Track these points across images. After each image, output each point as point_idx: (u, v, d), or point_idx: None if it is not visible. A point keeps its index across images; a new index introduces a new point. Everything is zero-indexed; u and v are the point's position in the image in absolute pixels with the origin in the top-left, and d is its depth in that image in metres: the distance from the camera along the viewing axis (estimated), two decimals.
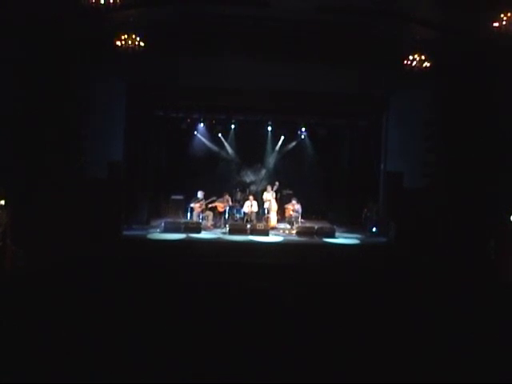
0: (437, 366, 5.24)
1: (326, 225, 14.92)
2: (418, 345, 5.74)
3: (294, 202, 14.64)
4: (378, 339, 5.91)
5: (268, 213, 14.87)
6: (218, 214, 14.69)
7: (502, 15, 8.17)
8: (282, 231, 14.36)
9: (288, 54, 12.35)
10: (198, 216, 14.34)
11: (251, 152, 16.92)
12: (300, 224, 14.40)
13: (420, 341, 5.88)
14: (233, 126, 16.67)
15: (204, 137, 16.98)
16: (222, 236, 13.34)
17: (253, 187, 16.64)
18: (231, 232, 13.45)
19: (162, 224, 13.63)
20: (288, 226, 14.61)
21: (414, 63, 10.38)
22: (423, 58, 10.34)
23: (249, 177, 16.92)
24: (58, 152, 11.65)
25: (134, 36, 9.94)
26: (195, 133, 16.85)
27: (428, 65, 10.40)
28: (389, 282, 8.99)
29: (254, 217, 14.60)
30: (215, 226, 14.52)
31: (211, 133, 16.92)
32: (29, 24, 9.89)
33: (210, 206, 14.50)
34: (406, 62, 10.51)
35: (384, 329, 6.30)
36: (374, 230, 14.27)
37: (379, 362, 5.27)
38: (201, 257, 10.75)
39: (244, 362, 5.08)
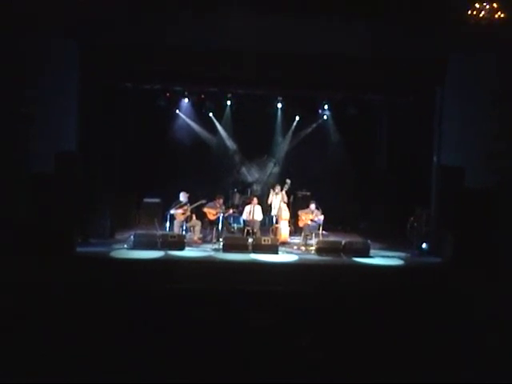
0: None
1: (356, 239, 14.96)
2: None
3: (312, 207, 14.61)
4: None
5: (277, 222, 14.89)
6: (208, 224, 14.78)
7: None
8: (296, 247, 14.39)
9: (305, 3, 12.18)
10: (181, 226, 14.36)
11: (254, 138, 16.91)
12: (321, 238, 14.30)
13: None
14: (229, 103, 16.74)
15: (189, 117, 17.04)
16: (213, 254, 13.32)
17: (256, 187, 16.59)
18: (226, 248, 13.39)
19: (132, 237, 13.52)
20: (304, 241, 14.48)
21: (482, 13, 10.29)
22: (495, 6, 10.23)
23: (251, 173, 16.86)
24: None
25: None
26: (177, 112, 17.00)
27: (502, 15, 10.30)
28: (444, 317, 8.72)
29: (257, 228, 14.57)
30: (204, 241, 14.59)
31: (199, 112, 16.98)
32: None
33: (197, 212, 14.41)
34: (470, 12, 10.38)
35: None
36: (423, 246, 14.26)
37: None
38: (184, 282, 10.67)
39: None
